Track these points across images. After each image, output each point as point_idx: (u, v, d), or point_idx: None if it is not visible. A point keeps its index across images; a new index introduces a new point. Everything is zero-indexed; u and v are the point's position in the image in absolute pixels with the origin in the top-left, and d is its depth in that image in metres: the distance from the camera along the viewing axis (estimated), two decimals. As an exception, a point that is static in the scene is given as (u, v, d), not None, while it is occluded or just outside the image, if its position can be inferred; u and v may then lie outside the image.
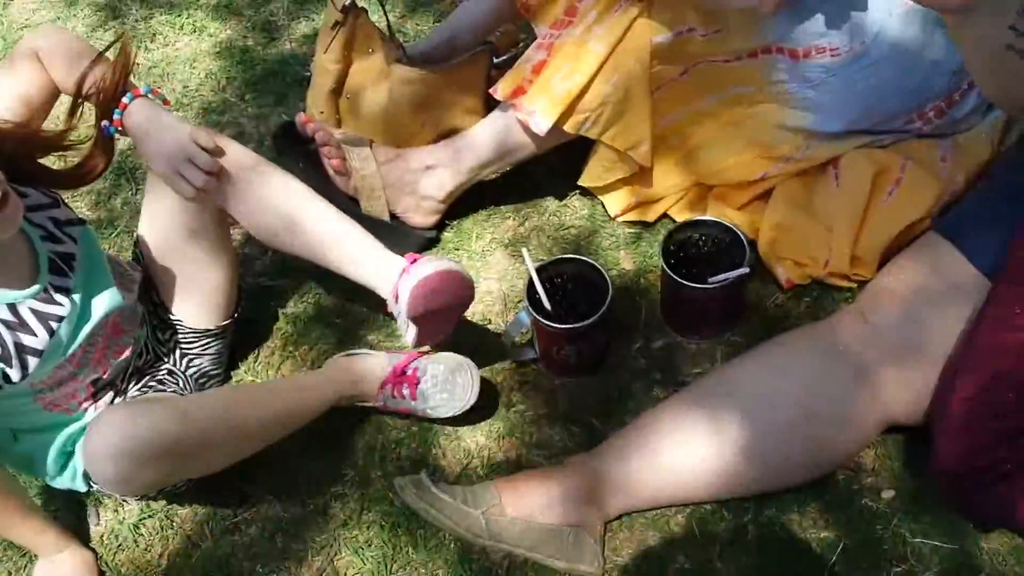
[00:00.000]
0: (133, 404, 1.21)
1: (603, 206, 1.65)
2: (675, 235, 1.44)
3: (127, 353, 1.30)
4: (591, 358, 1.44)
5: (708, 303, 1.41)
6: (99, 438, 1.09)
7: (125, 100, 1.20)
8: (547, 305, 1.38)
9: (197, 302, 1.40)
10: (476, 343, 1.51)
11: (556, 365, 1.44)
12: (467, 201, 1.64)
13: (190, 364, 1.42)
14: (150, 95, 1.23)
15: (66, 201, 1.24)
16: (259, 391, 1.39)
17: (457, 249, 1.64)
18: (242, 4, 2.09)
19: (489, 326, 1.54)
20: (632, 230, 1.63)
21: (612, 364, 1.46)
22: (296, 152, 1.50)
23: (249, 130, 1.84)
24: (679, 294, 1.40)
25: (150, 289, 1.39)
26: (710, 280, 1.38)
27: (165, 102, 1.25)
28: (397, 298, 1.24)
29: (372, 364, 1.39)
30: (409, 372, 1.36)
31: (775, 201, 1.55)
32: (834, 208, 1.50)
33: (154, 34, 2.04)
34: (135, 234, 1.39)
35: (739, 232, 1.41)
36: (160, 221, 1.34)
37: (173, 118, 1.23)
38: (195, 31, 2.03)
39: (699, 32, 1.37)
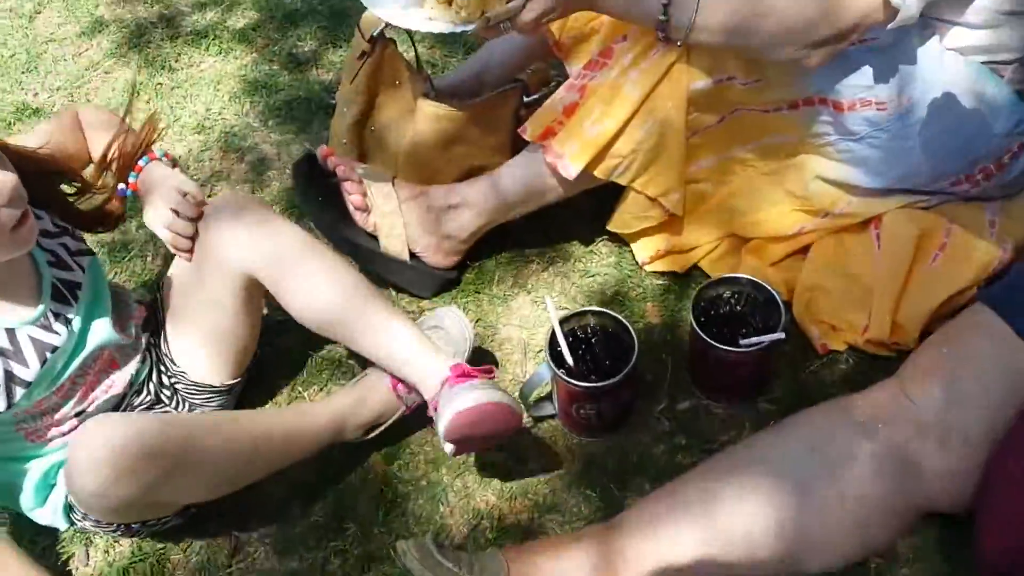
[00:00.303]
0: (117, 414, 1.20)
1: (631, 253, 1.58)
2: (706, 292, 1.37)
3: (119, 388, 1.24)
4: (613, 418, 1.36)
5: (739, 366, 1.34)
6: (80, 444, 1.05)
7: (141, 163, 1.27)
8: (569, 360, 1.31)
9: (206, 358, 1.33)
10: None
11: (575, 423, 1.37)
12: (490, 241, 1.58)
13: (191, 411, 1.36)
14: (163, 159, 1.29)
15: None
16: (254, 411, 1.34)
17: (478, 292, 1.57)
18: (270, 28, 2.05)
19: (507, 375, 1.47)
20: (661, 281, 1.56)
21: (635, 424, 1.39)
22: (316, 185, 1.45)
23: (270, 156, 1.80)
24: (708, 355, 1.32)
25: (160, 336, 1.34)
26: (742, 343, 1.31)
27: (175, 164, 1.30)
28: (436, 408, 1.19)
29: (372, 380, 1.33)
30: None
31: (812, 260, 1.48)
32: (874, 271, 1.42)
33: (179, 54, 2.00)
34: (166, 275, 1.35)
35: (774, 292, 1.34)
36: (187, 275, 1.29)
37: (176, 175, 1.26)
38: (221, 53, 2.00)
39: (739, 80, 1.31)
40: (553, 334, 1.31)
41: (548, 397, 1.38)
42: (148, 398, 1.30)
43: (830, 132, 1.36)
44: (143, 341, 1.30)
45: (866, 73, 1.31)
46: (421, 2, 1.27)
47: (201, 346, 1.32)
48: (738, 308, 1.37)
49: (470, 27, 1.21)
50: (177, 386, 1.34)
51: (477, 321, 1.54)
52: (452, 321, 1.38)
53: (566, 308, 1.52)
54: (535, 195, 1.45)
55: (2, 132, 1.85)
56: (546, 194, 1.45)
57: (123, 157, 1.26)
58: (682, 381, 1.43)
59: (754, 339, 1.30)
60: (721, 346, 1.29)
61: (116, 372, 1.24)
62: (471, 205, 1.47)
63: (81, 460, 1.04)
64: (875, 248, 1.45)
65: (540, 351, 1.49)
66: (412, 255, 1.50)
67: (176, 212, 1.22)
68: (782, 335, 1.27)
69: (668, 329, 1.50)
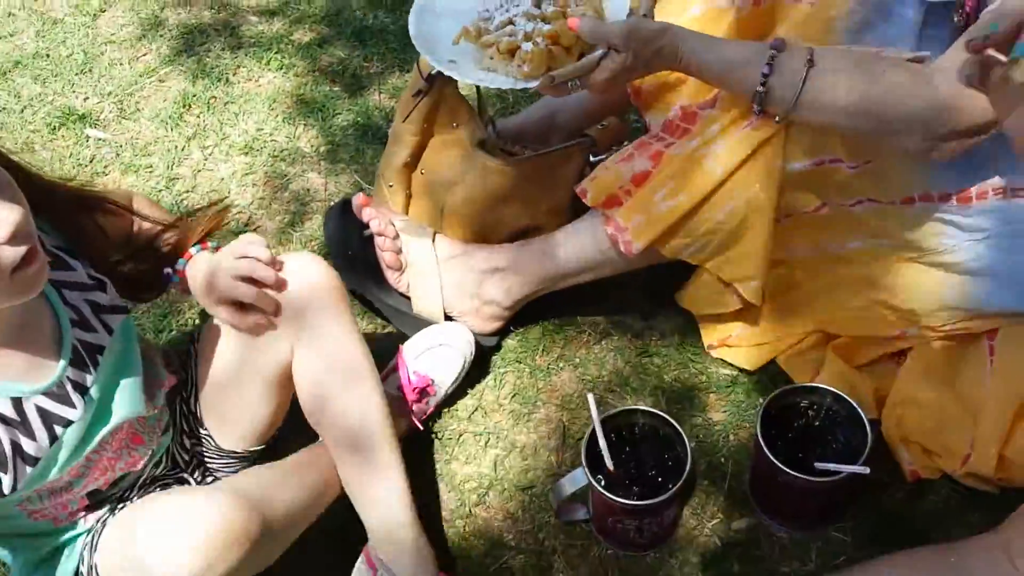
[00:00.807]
0: (182, 497, 1.07)
1: (699, 334, 1.40)
2: (779, 400, 1.17)
3: (139, 465, 1.09)
4: (655, 534, 1.18)
5: (810, 494, 1.14)
6: (156, 548, 0.94)
7: (192, 251, 1.13)
8: (609, 464, 1.14)
9: (234, 425, 1.20)
10: (519, 480, 1.28)
11: (611, 535, 1.19)
12: (538, 304, 1.41)
13: (205, 477, 1.23)
14: (215, 251, 1.14)
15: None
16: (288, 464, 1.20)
17: (519, 362, 1.41)
18: (337, 45, 1.93)
19: (539, 462, 1.30)
20: (728, 371, 1.37)
21: (681, 539, 1.21)
22: (349, 235, 1.31)
23: (316, 187, 1.67)
24: (775, 476, 1.13)
25: (190, 395, 1.21)
26: (816, 466, 1.11)
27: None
28: None
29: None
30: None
31: (909, 369, 1.27)
32: (984, 392, 1.20)
33: (238, 66, 1.90)
34: (205, 329, 1.22)
35: (858, 410, 1.14)
36: (224, 337, 1.16)
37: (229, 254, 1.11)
38: (282, 68, 1.88)
39: (846, 165, 1.11)
40: (593, 432, 1.13)
41: (582, 499, 1.21)
42: (167, 466, 1.16)
43: (949, 235, 1.15)
44: (168, 411, 1.15)
45: (991, 161, 1.10)
46: (480, 51, 1.12)
47: (234, 413, 1.19)
48: (815, 423, 1.18)
49: (532, 84, 1.06)
50: (198, 449, 1.21)
51: (514, 396, 1.38)
52: (457, 338, 1.30)
53: (611, 404, 1.34)
54: (591, 267, 1.28)
55: (44, 138, 1.78)
56: (604, 267, 1.28)
57: (178, 243, 1.14)
58: (740, 494, 1.24)
59: (831, 466, 1.10)
60: (790, 471, 1.09)
61: (139, 448, 1.08)
62: (518, 271, 1.31)
63: (175, 544, 0.93)
64: (987, 363, 1.23)
65: (580, 439, 1.31)
66: (448, 318, 1.35)
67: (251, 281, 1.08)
68: (866, 470, 1.07)
69: (731, 429, 1.31)
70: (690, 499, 1.23)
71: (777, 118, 1.07)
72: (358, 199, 1.30)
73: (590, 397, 1.12)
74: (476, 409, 1.37)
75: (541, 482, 1.29)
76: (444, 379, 1.32)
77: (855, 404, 1.15)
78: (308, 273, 1.09)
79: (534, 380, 1.39)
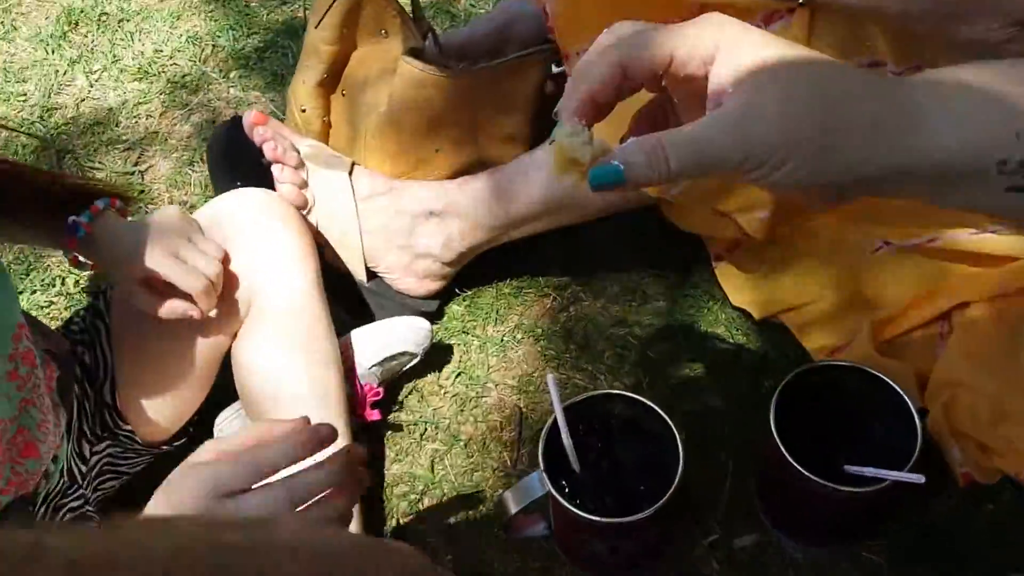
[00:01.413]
0: None
1: (690, 300, 1.12)
2: (798, 383, 0.89)
3: (28, 487, 0.78)
4: (635, 555, 0.91)
5: (839, 506, 0.87)
6: None
7: (99, 204, 0.87)
8: (575, 466, 0.85)
9: (162, 414, 0.95)
10: (462, 483, 1.00)
11: (578, 557, 0.92)
12: (487, 260, 1.13)
13: (99, 488, 0.95)
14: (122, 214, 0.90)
15: None
16: None
17: (465, 332, 1.13)
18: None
19: (489, 461, 1.02)
20: (728, 345, 1.09)
21: (669, 561, 0.93)
22: (237, 164, 1.01)
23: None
24: (792, 484, 0.86)
25: (104, 382, 0.92)
26: (847, 469, 0.84)
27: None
28: None
29: None
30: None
31: (959, 341, 1.00)
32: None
33: (139, -22, 1.58)
34: (94, 301, 0.96)
35: (903, 395, 0.87)
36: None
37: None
38: (192, -20, 1.57)
39: (891, 68, 0.83)
40: (553, 424, 0.85)
41: (541, 509, 0.93)
42: (63, 483, 0.85)
43: None
44: (65, 412, 0.86)
45: None
46: None
47: (165, 399, 0.94)
48: (845, 414, 0.90)
49: None
50: (110, 450, 0.94)
51: (458, 376, 1.09)
52: (418, 343, 1.03)
53: (581, 387, 1.06)
54: (554, 209, 0.99)
55: None
56: (571, 210, 0.99)
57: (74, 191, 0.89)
58: (745, 503, 0.97)
59: (870, 471, 0.82)
60: (814, 478, 0.82)
61: (26, 463, 0.77)
62: (461, 215, 1.02)
63: None
64: (1060, 335, 0.96)
65: (538, 439, 1.03)
66: (372, 275, 1.06)
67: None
68: (920, 478, 0.80)
69: (733, 420, 1.03)
70: (681, 510, 0.96)
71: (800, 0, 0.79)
72: (250, 116, 1.00)
73: (550, 379, 0.84)
74: (410, 392, 1.09)
75: (490, 486, 1.01)
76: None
77: (898, 388, 0.87)
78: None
79: (484, 356, 1.11)
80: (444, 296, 1.12)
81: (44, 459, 0.79)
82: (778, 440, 0.84)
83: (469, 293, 1.15)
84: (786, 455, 0.83)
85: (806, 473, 0.82)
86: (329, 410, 0.92)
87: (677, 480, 0.82)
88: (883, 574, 0.91)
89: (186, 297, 0.85)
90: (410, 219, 1.02)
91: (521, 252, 1.17)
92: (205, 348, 0.93)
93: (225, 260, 0.87)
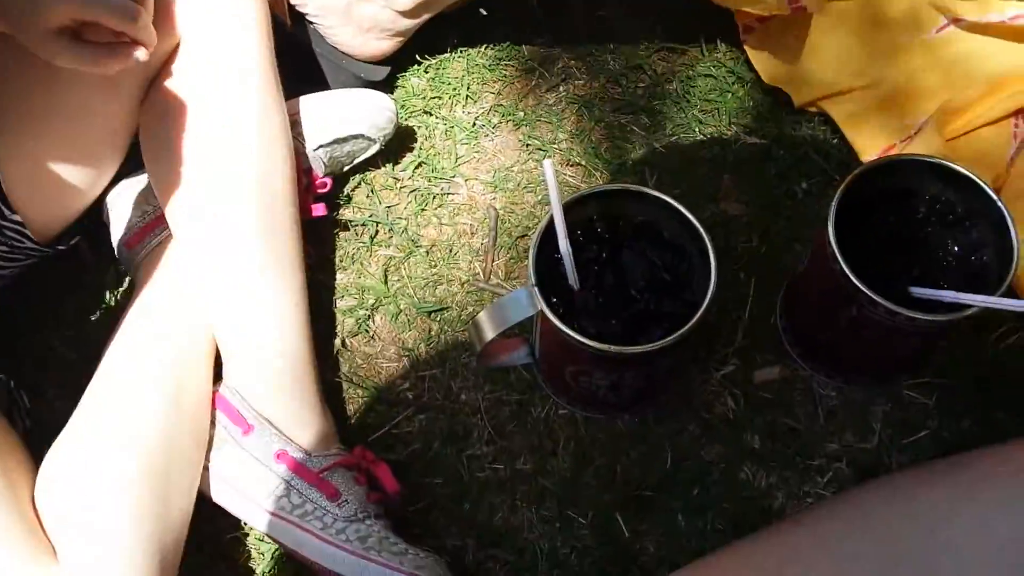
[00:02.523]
0: None
1: (722, 77, 0.90)
2: (859, 185, 0.69)
3: None
4: (637, 392, 0.73)
5: (899, 337, 0.69)
6: None
7: None
8: (574, 281, 0.66)
9: (59, 188, 0.72)
10: (423, 297, 0.80)
11: (568, 392, 0.74)
12: (460, 16, 0.89)
13: None
14: None
15: None
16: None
17: (428, 113, 0.89)
18: None
19: (456, 271, 0.82)
20: (756, 138, 0.88)
21: (675, 397, 0.77)
22: None
23: None
24: (844, 306, 0.67)
25: None
26: (913, 291, 0.66)
27: None
28: None
29: None
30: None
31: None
32: None
33: None
34: None
35: (996, 199, 0.67)
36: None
37: None
38: None
39: None
40: (549, 224, 0.64)
41: (525, 334, 0.75)
42: None
43: None
44: None
45: None
46: None
47: (62, 171, 0.72)
48: (915, 218, 0.71)
49: None
50: None
51: (419, 166, 0.87)
52: (373, 124, 0.81)
53: (573, 187, 0.85)
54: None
55: None
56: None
57: None
58: (768, 328, 0.79)
59: (948, 295, 0.64)
60: (885, 303, 0.63)
61: None
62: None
63: None
64: None
65: (522, 236, 0.83)
66: (300, 21, 0.81)
67: None
68: (1022, 305, 0.61)
69: (756, 225, 0.84)
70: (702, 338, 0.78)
71: None
72: None
73: (547, 164, 0.62)
74: (359, 185, 0.87)
75: (457, 303, 0.81)
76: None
77: (990, 191, 0.67)
78: None
79: (451, 144, 0.88)
80: (398, 62, 0.88)
81: None
82: (837, 253, 0.65)
83: (433, 62, 0.91)
84: (848, 273, 0.64)
85: (874, 296, 0.63)
86: (275, 199, 0.71)
87: (708, 299, 0.63)
88: (929, 419, 0.76)
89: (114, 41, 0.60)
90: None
91: (501, 10, 0.92)
92: (118, 103, 0.70)
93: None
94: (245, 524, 0.72)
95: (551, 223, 0.64)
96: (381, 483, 0.71)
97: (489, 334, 0.66)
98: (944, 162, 0.69)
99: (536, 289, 0.64)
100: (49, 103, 0.69)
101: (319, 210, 0.80)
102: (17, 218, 0.71)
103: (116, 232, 0.79)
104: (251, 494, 0.69)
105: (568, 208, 0.64)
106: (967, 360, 0.78)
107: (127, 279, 0.82)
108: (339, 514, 0.68)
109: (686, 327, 0.62)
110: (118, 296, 0.82)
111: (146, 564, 0.60)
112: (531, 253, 0.65)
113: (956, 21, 0.86)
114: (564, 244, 0.64)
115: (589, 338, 0.62)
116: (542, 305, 0.63)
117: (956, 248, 0.69)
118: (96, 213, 0.78)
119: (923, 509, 0.59)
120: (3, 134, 0.69)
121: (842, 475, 0.73)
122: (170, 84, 0.70)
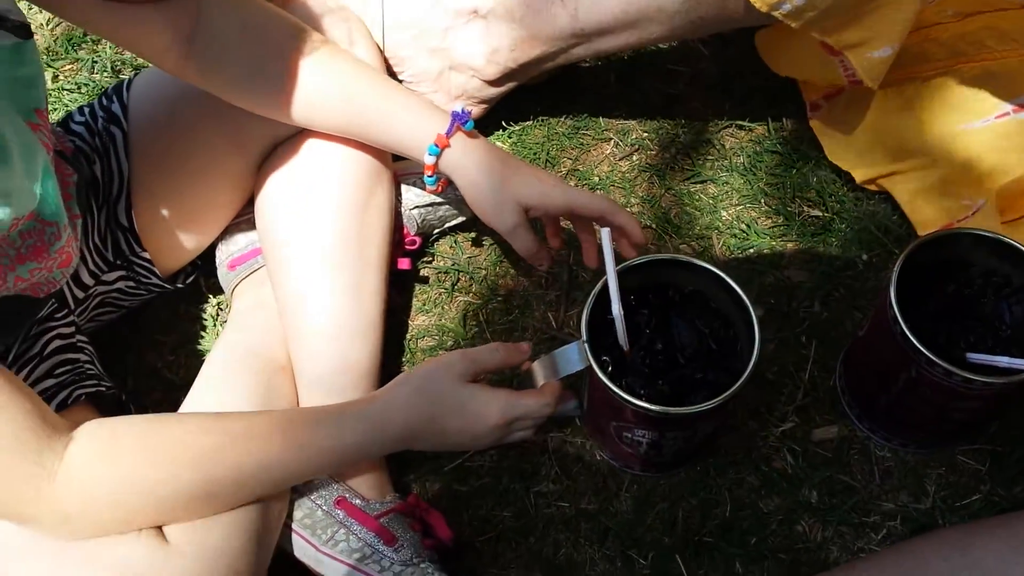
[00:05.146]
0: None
1: (787, 153, 0.95)
2: (919, 255, 0.73)
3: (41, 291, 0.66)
4: (680, 451, 0.77)
5: (958, 400, 0.72)
6: None
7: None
8: (624, 342, 0.70)
9: (185, 233, 0.81)
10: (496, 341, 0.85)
11: (611, 446, 0.78)
12: (542, 87, 0.96)
13: (95, 318, 0.81)
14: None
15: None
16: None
17: (510, 174, 0.96)
18: None
19: (529, 319, 0.88)
20: (818, 212, 0.93)
21: (730, 449, 0.80)
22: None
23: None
24: (902, 369, 0.71)
25: (119, 197, 0.77)
26: (969, 357, 0.69)
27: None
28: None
29: None
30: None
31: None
32: None
33: None
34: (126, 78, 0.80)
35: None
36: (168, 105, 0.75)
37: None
38: None
39: None
40: (604, 288, 0.69)
41: (575, 386, 0.79)
42: (53, 306, 0.73)
43: None
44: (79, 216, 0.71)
45: None
46: None
47: (189, 218, 0.81)
48: (972, 289, 0.75)
49: None
50: (121, 284, 0.80)
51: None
52: None
53: (644, 249, 0.91)
54: (637, 20, 0.81)
55: None
56: (658, 22, 0.80)
57: None
58: (826, 390, 0.83)
59: (1003, 361, 0.68)
60: (945, 364, 0.67)
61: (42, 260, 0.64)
62: (515, 19, 0.83)
63: None
64: None
65: (588, 283, 0.88)
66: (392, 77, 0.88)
67: None
68: (1078, 372, 0.65)
69: (818, 293, 0.88)
70: (746, 395, 0.82)
71: None
72: None
73: (604, 233, 0.68)
74: (443, 235, 0.93)
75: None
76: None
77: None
78: None
79: (530, 202, 0.94)
80: (484, 127, 0.95)
81: (51, 258, 0.64)
82: (898, 314, 0.69)
83: (516, 128, 0.98)
84: (907, 333, 0.68)
85: (934, 358, 0.67)
86: (368, 264, 0.77)
87: (751, 367, 0.67)
88: (982, 483, 0.78)
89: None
90: (450, 16, 0.84)
91: (580, 82, 1.00)
92: (244, 162, 0.78)
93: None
94: (299, 563, 0.75)
95: (605, 287, 0.69)
96: (434, 530, 0.74)
97: (540, 381, 0.72)
98: (1001, 237, 0.73)
99: (587, 345, 0.68)
100: (186, 162, 0.77)
101: (404, 264, 0.85)
102: (146, 255, 0.78)
103: (222, 253, 0.86)
104: (312, 538, 0.73)
105: (622, 274, 0.69)
106: (1020, 427, 0.80)
107: (227, 308, 0.89)
108: (396, 558, 0.72)
109: (725, 394, 0.66)
110: (218, 328, 0.89)
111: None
112: (585, 312, 0.69)
113: (1018, 108, 0.91)
114: (616, 307, 0.68)
115: (635, 397, 0.67)
116: (590, 360, 0.68)
117: (1011, 318, 0.73)
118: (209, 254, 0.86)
119: (977, 562, 0.61)
120: (141, 184, 0.77)
121: (896, 533, 0.76)
122: (291, 154, 0.77)
